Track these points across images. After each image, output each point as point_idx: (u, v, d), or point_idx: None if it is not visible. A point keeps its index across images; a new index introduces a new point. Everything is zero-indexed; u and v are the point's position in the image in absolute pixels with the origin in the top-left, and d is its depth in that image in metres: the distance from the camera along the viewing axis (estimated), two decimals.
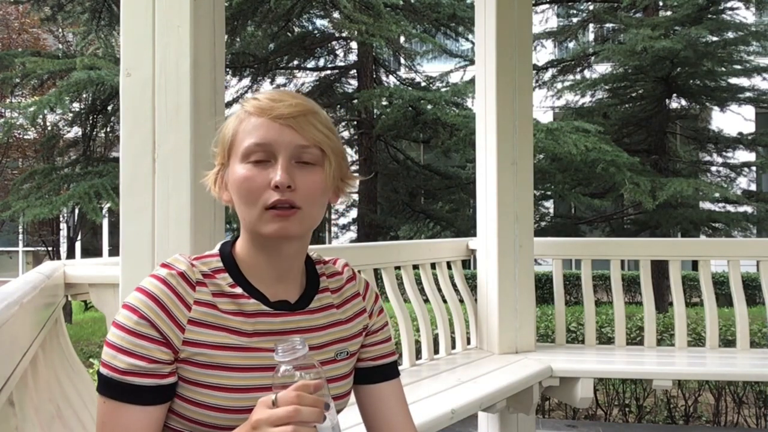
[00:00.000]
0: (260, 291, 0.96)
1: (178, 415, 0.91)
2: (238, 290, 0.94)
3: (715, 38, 7.38)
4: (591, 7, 8.70)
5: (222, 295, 0.93)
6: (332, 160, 0.93)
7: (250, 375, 0.92)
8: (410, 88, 7.78)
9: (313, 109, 0.93)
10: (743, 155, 8.66)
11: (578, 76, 8.74)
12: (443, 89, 7.96)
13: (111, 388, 0.86)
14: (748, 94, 7.92)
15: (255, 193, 0.90)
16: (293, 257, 0.97)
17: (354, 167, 7.49)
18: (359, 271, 1.15)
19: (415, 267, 2.78)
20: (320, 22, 8.48)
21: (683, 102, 8.27)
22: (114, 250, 14.35)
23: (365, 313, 1.08)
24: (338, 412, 1.03)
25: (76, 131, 8.46)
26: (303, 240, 0.97)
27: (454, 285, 2.92)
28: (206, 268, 0.94)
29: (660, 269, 6.91)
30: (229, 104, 7.64)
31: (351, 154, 8.27)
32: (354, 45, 8.19)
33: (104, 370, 0.87)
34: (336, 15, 7.57)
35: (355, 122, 8.06)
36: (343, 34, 7.76)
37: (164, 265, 0.93)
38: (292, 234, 0.91)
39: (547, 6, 8.91)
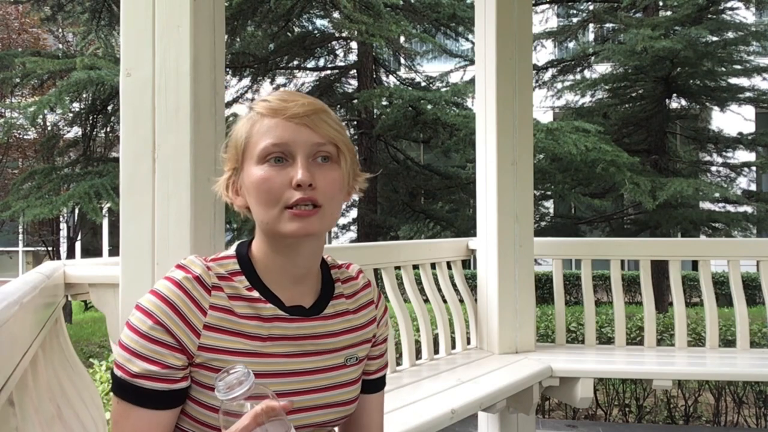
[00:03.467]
0: (276, 295, 0.95)
1: (191, 417, 0.91)
2: (255, 294, 0.93)
3: (715, 38, 7.37)
4: (591, 7, 8.69)
5: (239, 299, 0.92)
6: (347, 157, 0.94)
7: (264, 381, 0.91)
8: (410, 88, 7.78)
9: (323, 107, 0.94)
10: (743, 155, 8.66)
11: (578, 76, 8.73)
12: (443, 89, 7.96)
13: (123, 390, 0.87)
14: (748, 94, 7.91)
15: (275, 193, 0.89)
16: (311, 257, 0.97)
17: None
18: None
19: (415, 267, 2.78)
20: (320, 22, 8.48)
21: (683, 102, 8.27)
22: (114, 250, 14.34)
23: (375, 321, 1.08)
24: (344, 418, 1.03)
25: (76, 131, 8.45)
26: (320, 240, 0.97)
27: (454, 285, 2.92)
28: (223, 270, 0.94)
29: (660, 269, 6.91)
30: (229, 104, 7.65)
31: None
32: (354, 45, 8.18)
33: (117, 372, 0.87)
34: (336, 15, 7.56)
35: (355, 122, 8.06)
36: (343, 34, 7.76)
37: (180, 267, 0.92)
38: (313, 232, 0.90)
39: (547, 6, 8.91)
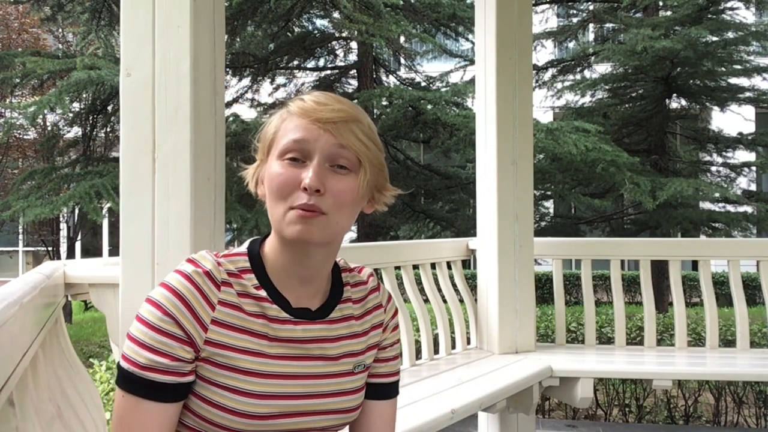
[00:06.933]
0: (284, 296, 0.95)
1: (192, 412, 0.91)
2: (263, 293, 0.93)
3: (715, 38, 7.37)
4: (591, 7, 8.69)
5: (247, 296, 0.92)
6: (368, 170, 0.92)
7: (267, 381, 0.91)
8: (410, 88, 7.77)
9: (356, 116, 0.92)
10: (743, 155, 8.66)
11: (578, 76, 8.73)
12: (443, 89, 7.95)
13: (131, 382, 0.86)
14: (748, 94, 7.91)
15: (285, 190, 0.89)
16: (320, 263, 0.96)
17: None
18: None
19: (415, 267, 2.78)
20: (320, 22, 8.48)
21: (683, 102, 8.27)
22: (114, 250, 14.34)
23: (382, 326, 1.07)
24: (345, 425, 1.02)
25: (76, 131, 8.46)
26: (331, 246, 0.96)
27: (454, 285, 2.92)
28: (233, 267, 0.94)
29: (660, 269, 6.91)
30: (229, 104, 7.65)
31: None
32: (354, 45, 8.18)
33: (125, 364, 0.86)
34: (336, 15, 7.56)
35: None
36: (343, 34, 7.76)
37: (190, 261, 0.92)
38: (314, 239, 0.89)
39: (547, 6, 8.91)
